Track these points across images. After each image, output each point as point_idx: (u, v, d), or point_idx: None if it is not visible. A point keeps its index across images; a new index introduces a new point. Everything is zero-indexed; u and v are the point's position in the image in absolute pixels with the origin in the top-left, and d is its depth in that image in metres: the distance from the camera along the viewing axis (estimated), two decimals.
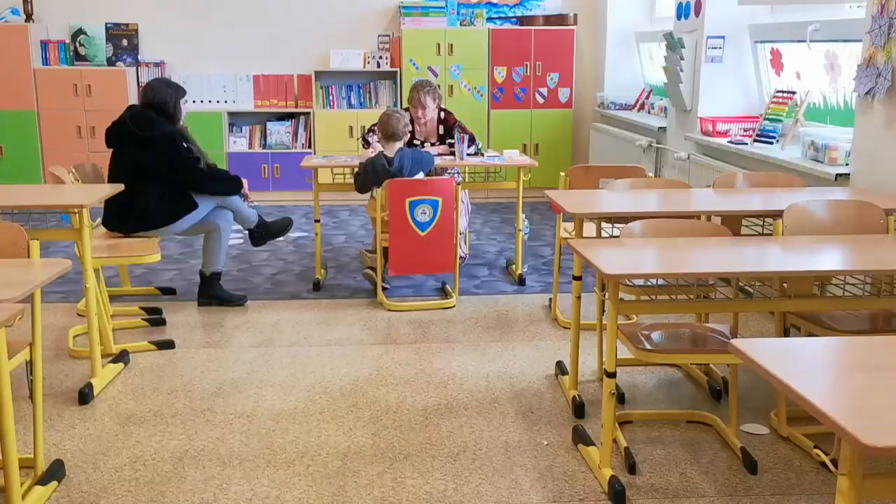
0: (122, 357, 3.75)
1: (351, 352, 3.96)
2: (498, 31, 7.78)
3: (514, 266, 5.27)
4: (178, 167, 4.28)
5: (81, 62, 7.69)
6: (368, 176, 4.68)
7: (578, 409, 3.26)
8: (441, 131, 5.41)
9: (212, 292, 4.60)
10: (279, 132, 7.85)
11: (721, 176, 4.13)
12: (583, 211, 3.34)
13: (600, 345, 3.55)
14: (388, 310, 4.57)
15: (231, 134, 7.82)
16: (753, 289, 3.89)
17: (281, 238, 4.95)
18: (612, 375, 2.71)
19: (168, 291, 4.83)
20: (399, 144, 4.69)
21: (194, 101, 7.70)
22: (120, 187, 3.77)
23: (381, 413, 3.31)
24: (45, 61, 7.67)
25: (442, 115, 5.40)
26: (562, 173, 4.32)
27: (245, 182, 4.60)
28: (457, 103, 7.79)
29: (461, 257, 5.34)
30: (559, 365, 3.69)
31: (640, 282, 3.03)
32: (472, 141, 5.24)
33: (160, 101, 4.33)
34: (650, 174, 4.26)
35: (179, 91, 4.42)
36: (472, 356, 3.92)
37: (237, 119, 7.94)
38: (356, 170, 4.77)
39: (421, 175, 4.72)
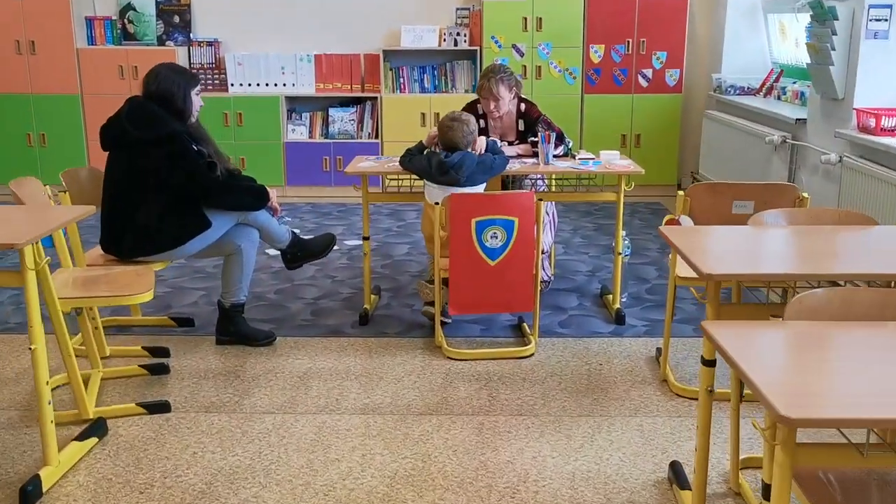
0: (97, 428, 2.90)
1: (392, 425, 3.01)
2: (595, 1, 6.64)
3: (610, 296, 4.21)
4: (185, 176, 3.40)
5: (130, 41, 6.96)
6: (416, 166, 3.76)
7: None
8: (521, 127, 4.37)
9: (232, 328, 3.73)
10: (343, 119, 6.94)
11: None
12: (722, 271, 2.24)
13: (735, 434, 2.49)
14: (448, 357, 3.60)
15: (289, 121, 6.97)
16: None
17: (322, 259, 4.03)
18: None
19: (184, 322, 3.99)
20: None
21: (249, 85, 6.88)
22: (90, 209, 2.89)
23: None
24: (91, 40, 6.97)
25: (522, 107, 4.36)
26: (679, 192, 3.23)
27: (273, 193, 3.70)
28: (544, 88, 6.71)
29: (544, 281, 4.32)
30: (674, 469, 2.64)
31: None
32: (559, 139, 4.18)
33: (165, 91, 3.45)
34: (805, 193, 3.11)
35: (190, 79, 3.53)
36: (554, 440, 2.91)
37: (296, 104, 7.08)
38: (405, 153, 3.88)
39: (481, 188, 3.73)
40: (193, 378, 3.42)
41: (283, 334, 3.88)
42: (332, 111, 6.95)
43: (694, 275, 2.29)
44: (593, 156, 4.19)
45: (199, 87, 3.55)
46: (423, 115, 6.79)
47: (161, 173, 3.39)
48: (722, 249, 2.51)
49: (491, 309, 3.76)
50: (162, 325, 3.98)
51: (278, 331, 3.90)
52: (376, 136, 6.94)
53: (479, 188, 3.74)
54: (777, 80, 6.18)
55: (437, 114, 6.74)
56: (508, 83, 4.22)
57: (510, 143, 4.36)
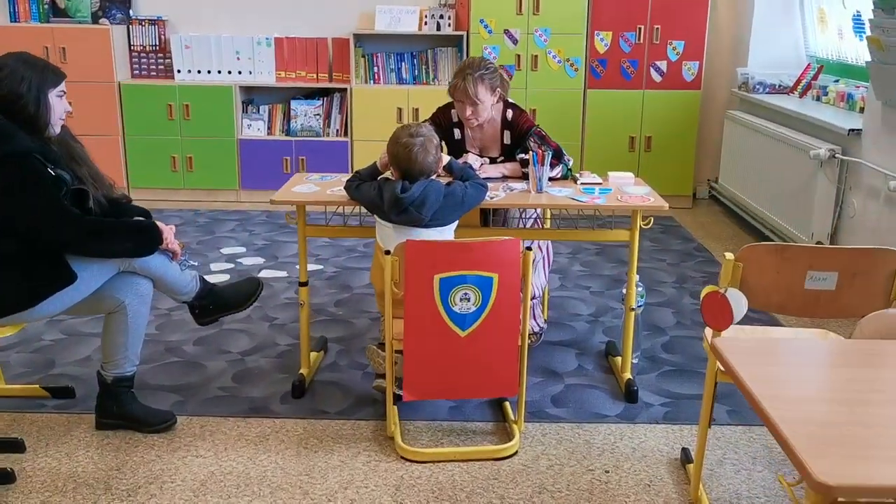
0: None
1: None
2: None
3: (619, 360, 3.28)
4: (33, 212, 2.46)
5: (60, 18, 5.97)
6: (364, 197, 2.83)
7: None
8: (507, 139, 3.43)
9: (117, 408, 2.80)
10: (307, 114, 5.98)
11: None
12: (851, 480, 1.26)
13: None
14: (402, 457, 2.68)
15: (245, 115, 6.00)
16: None
17: (245, 311, 3.09)
18: None
19: (62, 393, 3.05)
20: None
21: (199, 72, 5.90)
22: None
23: None
24: (14, 17, 5.98)
25: (509, 114, 3.41)
26: (727, 255, 2.29)
27: (168, 230, 2.75)
28: (541, 81, 5.75)
29: (534, 333, 3.43)
30: None
31: None
32: (556, 157, 3.24)
33: (9, 92, 2.49)
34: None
35: (48, 76, 2.56)
36: None
37: (253, 96, 6.11)
38: (353, 176, 2.96)
39: (451, 228, 2.80)
40: (46, 491, 2.49)
41: (190, 412, 2.95)
42: (294, 104, 5.98)
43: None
44: (600, 180, 3.25)
45: (61, 88, 2.59)
46: (400, 110, 5.84)
47: None
48: (827, 396, 1.58)
49: (459, 394, 2.82)
50: (31, 395, 3.04)
51: (185, 406, 2.98)
52: (345, 134, 5.99)
53: (449, 229, 2.80)
54: (815, 77, 5.24)
55: (417, 109, 5.79)
56: (490, 83, 3.27)
57: (493, 160, 3.42)
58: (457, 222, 2.83)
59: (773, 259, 2.15)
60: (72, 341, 3.54)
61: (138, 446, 2.73)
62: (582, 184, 3.21)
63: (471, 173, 2.89)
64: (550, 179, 3.19)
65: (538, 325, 3.54)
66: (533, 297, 3.44)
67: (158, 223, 2.72)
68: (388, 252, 2.60)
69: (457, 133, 3.45)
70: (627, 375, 3.17)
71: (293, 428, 2.86)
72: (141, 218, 2.78)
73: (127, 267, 2.68)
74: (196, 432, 2.83)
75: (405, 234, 2.70)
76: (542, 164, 3.03)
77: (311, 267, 4.46)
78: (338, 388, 3.16)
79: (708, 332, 2.35)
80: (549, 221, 3.47)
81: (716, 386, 2.34)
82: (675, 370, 3.34)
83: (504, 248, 2.54)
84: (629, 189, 3.15)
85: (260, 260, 4.69)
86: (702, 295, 2.25)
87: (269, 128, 6.04)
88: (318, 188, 3.11)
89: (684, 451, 2.69)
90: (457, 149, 3.46)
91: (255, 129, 6.00)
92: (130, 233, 2.64)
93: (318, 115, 5.98)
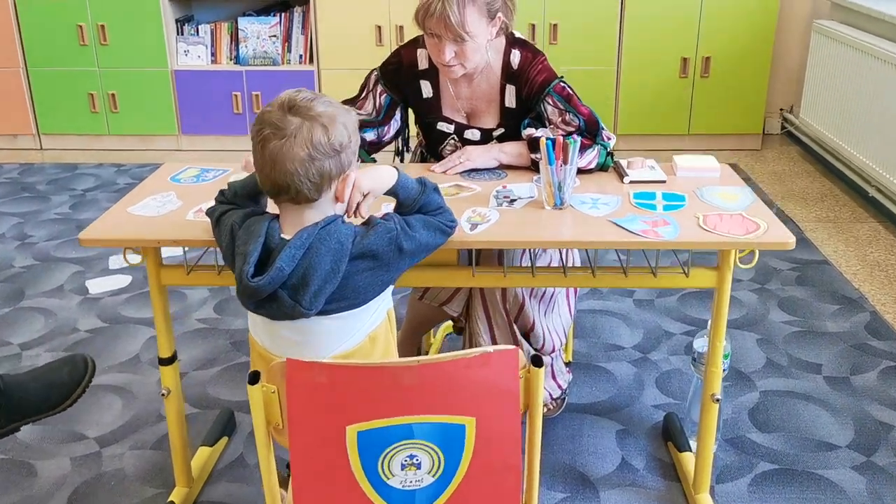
0: None
1: None
2: None
3: (685, 458, 2.04)
4: None
5: None
6: (219, 242, 1.53)
7: None
8: (509, 100, 2.08)
9: None
10: (260, 35, 4.60)
11: None
12: None
13: None
14: None
15: (180, 38, 4.64)
16: None
17: (63, 410, 1.87)
18: None
19: None
20: (312, 215, 1.45)
21: None
22: None
23: None
24: None
25: (514, 56, 2.05)
26: None
27: None
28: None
29: (553, 400, 2.22)
30: None
31: None
32: (589, 134, 1.93)
33: None
34: None
35: None
36: None
37: (189, 11, 4.73)
38: (218, 196, 1.62)
39: (374, 307, 1.50)
40: None
41: None
42: (242, 22, 4.60)
43: None
44: (662, 174, 1.93)
45: None
46: (379, 28, 4.45)
47: None
48: None
49: None
50: None
51: None
52: (310, 61, 4.62)
53: (372, 309, 1.50)
54: None
55: (401, 28, 4.40)
56: (486, 3, 1.91)
57: (485, 136, 2.10)
58: (390, 289, 1.54)
59: None
60: None
61: None
62: (631, 182, 1.90)
63: (432, 200, 1.56)
64: (580, 172, 1.88)
65: (560, 386, 2.29)
66: (551, 351, 2.18)
67: None
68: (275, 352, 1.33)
69: (426, 89, 2.11)
70: (704, 497, 1.92)
71: None
72: None
73: None
74: None
75: (283, 331, 1.43)
76: (565, 156, 1.71)
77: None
78: None
79: None
80: (576, 253, 2.14)
81: None
82: (780, 470, 2.10)
83: (487, 368, 1.26)
84: (713, 193, 1.83)
85: None
86: None
87: (212, 55, 4.67)
88: (180, 203, 1.81)
89: None
90: (428, 115, 2.13)
91: (193, 56, 4.64)
92: None
93: (274, 36, 4.60)
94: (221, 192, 1.57)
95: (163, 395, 1.86)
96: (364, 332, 1.46)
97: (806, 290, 3.03)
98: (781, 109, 4.84)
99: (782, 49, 4.67)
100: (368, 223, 1.46)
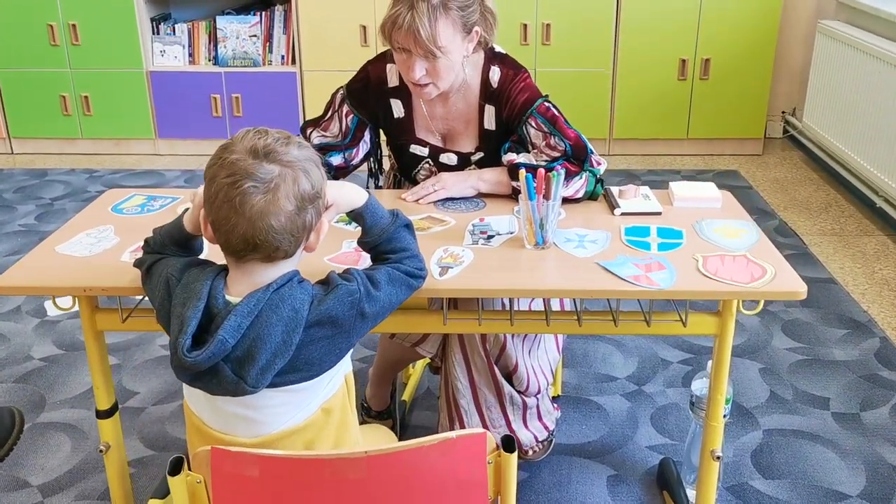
0: None
1: None
2: None
3: (679, 496, 1.87)
4: None
5: None
6: (154, 299, 1.32)
7: None
8: (489, 121, 1.88)
9: None
10: (239, 35, 4.40)
11: None
12: None
13: None
14: None
15: (155, 37, 4.43)
16: None
17: None
18: None
19: None
20: (273, 272, 1.25)
21: None
22: None
23: None
24: None
25: (493, 73, 1.86)
26: None
27: None
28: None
29: (539, 442, 2.05)
30: None
31: None
32: (575, 160, 1.74)
33: None
34: None
35: None
36: None
37: (165, 9, 4.53)
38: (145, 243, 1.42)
39: (330, 382, 1.29)
40: None
41: None
42: (221, 21, 4.40)
43: None
44: (658, 205, 1.74)
45: None
46: (364, 28, 4.25)
47: None
48: None
49: None
50: None
51: None
52: (292, 62, 4.42)
53: (333, 374, 1.30)
54: None
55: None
56: (462, 15, 1.72)
57: (462, 160, 1.90)
58: (347, 356, 1.34)
59: None
60: None
61: None
62: (623, 214, 1.71)
63: (402, 237, 1.37)
64: (566, 201, 1.69)
65: (545, 427, 2.10)
66: (536, 392, 1.99)
67: None
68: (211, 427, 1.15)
69: (397, 108, 1.92)
70: None
71: None
72: None
73: None
74: None
75: (224, 404, 1.24)
76: (547, 197, 1.52)
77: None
78: None
79: None
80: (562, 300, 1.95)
81: None
82: None
83: (450, 458, 1.07)
84: (714, 228, 1.64)
85: None
86: None
87: (190, 55, 4.47)
88: (116, 240, 1.62)
89: None
90: (399, 137, 1.94)
91: (170, 56, 4.44)
92: None
93: (254, 36, 4.40)
94: (146, 242, 1.38)
95: (101, 451, 1.68)
96: (317, 403, 1.26)
97: (811, 311, 2.84)
98: (784, 112, 4.65)
99: (785, 50, 4.47)
100: (327, 281, 1.27)
